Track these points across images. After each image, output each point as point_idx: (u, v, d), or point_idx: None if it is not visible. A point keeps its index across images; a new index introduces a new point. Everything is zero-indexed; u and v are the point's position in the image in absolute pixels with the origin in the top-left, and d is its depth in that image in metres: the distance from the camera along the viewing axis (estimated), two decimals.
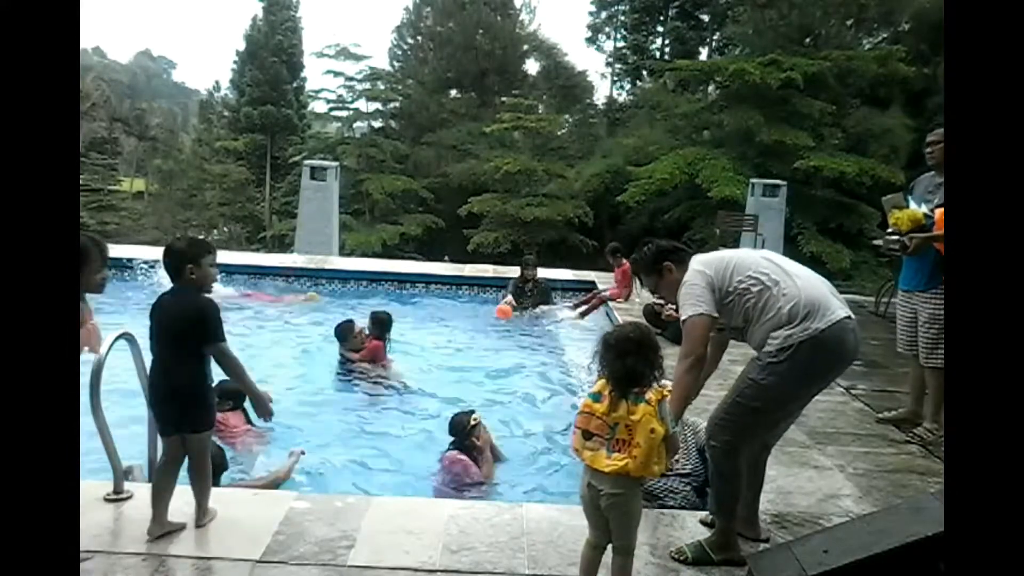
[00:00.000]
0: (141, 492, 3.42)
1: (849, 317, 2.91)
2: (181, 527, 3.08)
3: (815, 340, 2.83)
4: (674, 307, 7.20)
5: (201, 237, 3.21)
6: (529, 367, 7.34)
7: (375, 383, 6.41)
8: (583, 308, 9.01)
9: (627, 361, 2.50)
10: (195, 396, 3.01)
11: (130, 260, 9.86)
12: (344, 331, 6.71)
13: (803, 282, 2.95)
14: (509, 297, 9.25)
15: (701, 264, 3.07)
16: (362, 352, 6.65)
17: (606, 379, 2.56)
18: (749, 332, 3.01)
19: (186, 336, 2.94)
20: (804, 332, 2.84)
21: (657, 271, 3.18)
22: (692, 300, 2.96)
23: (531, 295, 9.36)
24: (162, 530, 3.03)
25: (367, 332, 6.77)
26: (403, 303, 9.88)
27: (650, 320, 7.22)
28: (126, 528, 3.11)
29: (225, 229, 31.65)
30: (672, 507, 3.70)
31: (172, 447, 3.08)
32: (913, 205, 4.45)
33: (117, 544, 2.96)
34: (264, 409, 3.15)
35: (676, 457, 3.83)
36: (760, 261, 3.05)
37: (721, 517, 3.05)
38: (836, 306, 2.91)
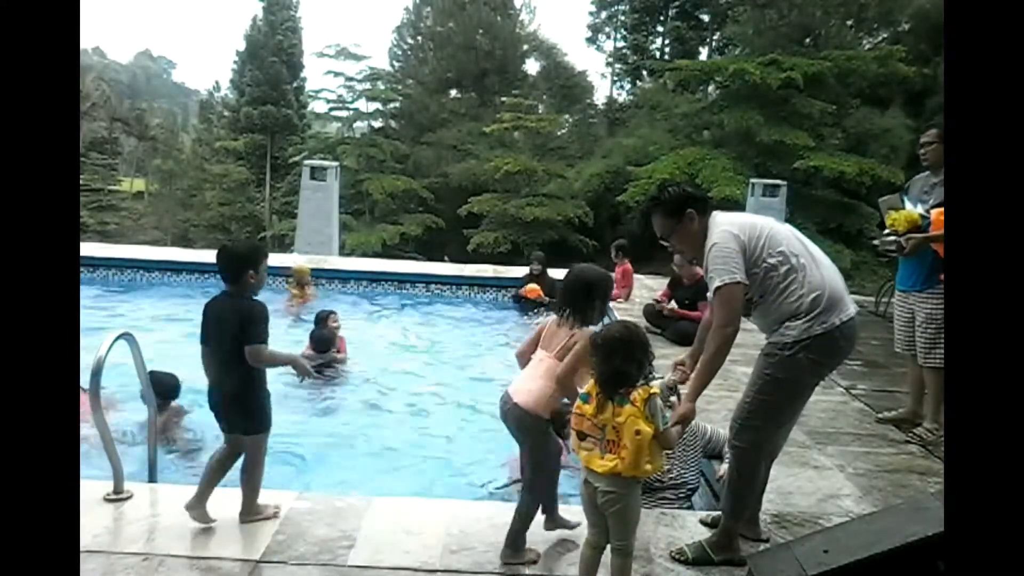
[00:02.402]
0: (141, 492, 3.43)
1: (858, 313, 2.94)
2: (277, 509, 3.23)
3: (832, 334, 2.82)
4: (675, 304, 7.23)
5: (256, 240, 3.26)
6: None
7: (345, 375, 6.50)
8: None
9: (613, 362, 2.48)
10: (246, 399, 3.05)
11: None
12: (331, 339, 6.66)
13: (828, 273, 2.90)
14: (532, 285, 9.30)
15: (734, 227, 2.87)
16: (339, 348, 6.69)
17: (595, 380, 2.56)
18: (761, 308, 2.92)
19: (236, 339, 2.97)
20: (822, 325, 2.81)
21: (678, 216, 2.94)
22: (728, 266, 2.78)
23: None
24: (199, 507, 3.12)
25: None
26: (403, 303, 9.88)
27: (650, 320, 7.21)
28: (126, 528, 3.11)
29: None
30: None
31: (232, 443, 3.18)
32: (909, 206, 4.45)
33: (117, 544, 2.96)
34: (303, 370, 3.25)
35: (669, 467, 3.81)
36: (791, 239, 2.92)
37: (729, 516, 3.04)
38: (849, 301, 2.92)
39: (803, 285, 2.83)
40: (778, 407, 2.94)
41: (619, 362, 2.48)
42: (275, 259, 11.76)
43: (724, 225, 2.89)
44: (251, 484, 3.18)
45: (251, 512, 3.19)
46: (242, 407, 3.07)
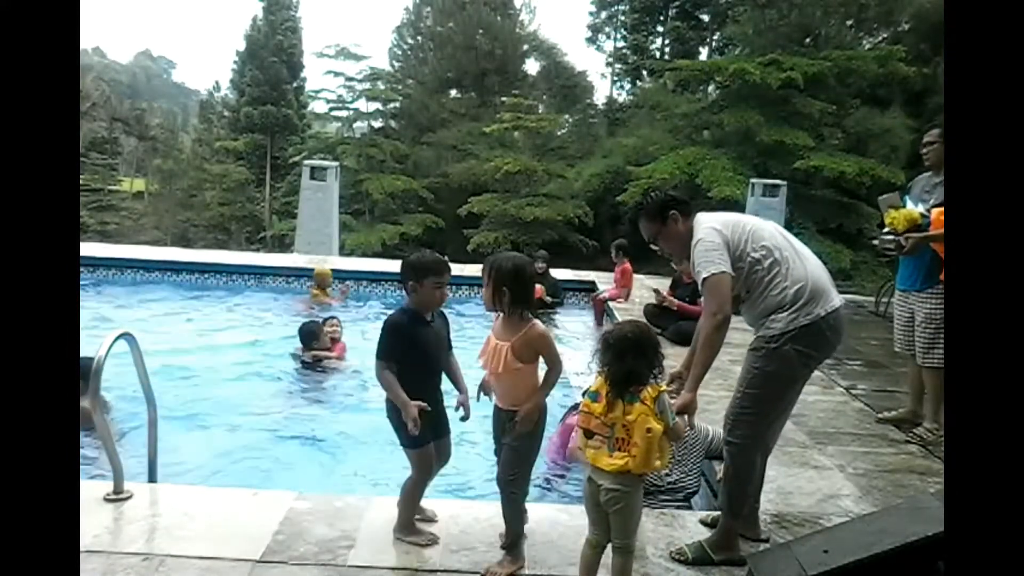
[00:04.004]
0: (141, 492, 3.43)
1: (843, 306, 2.97)
2: (432, 540, 3.06)
3: (817, 326, 2.86)
4: (674, 297, 7.29)
5: (436, 255, 3.15)
6: None
7: (348, 379, 6.48)
8: (596, 319, 9.04)
9: (625, 361, 2.50)
10: (391, 410, 2.97)
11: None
12: (314, 332, 6.69)
13: (811, 265, 2.96)
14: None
15: (717, 223, 2.96)
16: (334, 350, 6.70)
17: (604, 378, 2.56)
18: (748, 303, 2.98)
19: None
20: (807, 317, 2.86)
21: (661, 219, 3.05)
22: (713, 258, 2.86)
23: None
24: (406, 534, 3.06)
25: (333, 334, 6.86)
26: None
27: (650, 320, 7.23)
28: (126, 528, 3.11)
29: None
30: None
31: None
32: (910, 205, 4.45)
33: (117, 544, 2.96)
34: (407, 416, 2.92)
35: (668, 471, 3.80)
36: (775, 233, 3.00)
37: (727, 515, 3.04)
38: (834, 294, 2.96)
39: (787, 278, 2.89)
40: (769, 401, 2.97)
41: (631, 361, 2.49)
42: (275, 259, 11.81)
43: (708, 223, 2.98)
44: (401, 497, 3.10)
45: (401, 528, 3.08)
46: (390, 416, 3.00)
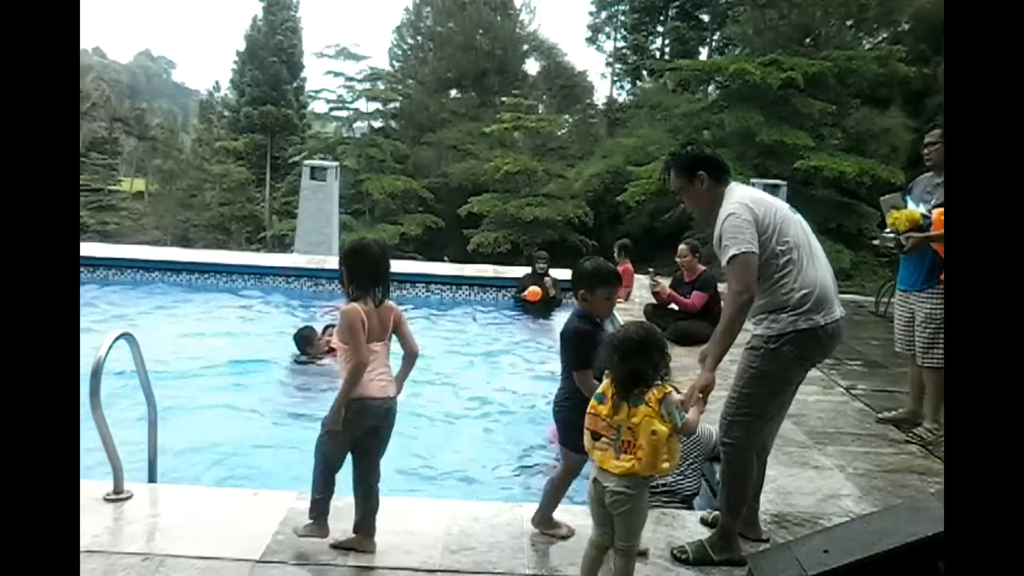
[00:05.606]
0: (141, 492, 3.43)
1: (843, 315, 2.98)
2: (569, 533, 3.18)
3: (814, 332, 2.87)
4: (668, 287, 7.24)
5: (609, 265, 3.11)
6: (527, 366, 7.33)
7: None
8: None
9: (630, 363, 2.49)
10: (559, 409, 3.08)
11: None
12: (308, 338, 6.72)
13: (822, 272, 2.95)
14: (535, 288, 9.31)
15: (750, 200, 2.91)
16: (331, 355, 6.71)
17: (610, 380, 2.56)
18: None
19: (560, 354, 3.06)
20: (807, 322, 2.86)
21: (688, 175, 3.04)
22: (742, 236, 2.81)
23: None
24: (546, 528, 3.20)
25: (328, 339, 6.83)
26: (403, 303, 9.87)
27: (649, 320, 7.23)
28: (126, 528, 3.11)
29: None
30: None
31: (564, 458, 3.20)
32: (911, 205, 4.46)
33: (117, 544, 2.96)
34: None
35: (669, 478, 3.78)
36: (799, 231, 2.95)
37: (726, 515, 3.05)
38: (837, 303, 2.96)
39: (796, 280, 2.87)
40: (765, 401, 2.97)
41: (636, 363, 2.49)
42: (275, 259, 11.80)
43: (741, 197, 2.93)
44: (545, 494, 3.22)
45: (540, 522, 3.20)
46: (559, 419, 3.10)
